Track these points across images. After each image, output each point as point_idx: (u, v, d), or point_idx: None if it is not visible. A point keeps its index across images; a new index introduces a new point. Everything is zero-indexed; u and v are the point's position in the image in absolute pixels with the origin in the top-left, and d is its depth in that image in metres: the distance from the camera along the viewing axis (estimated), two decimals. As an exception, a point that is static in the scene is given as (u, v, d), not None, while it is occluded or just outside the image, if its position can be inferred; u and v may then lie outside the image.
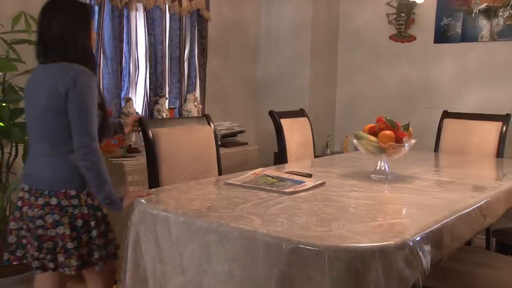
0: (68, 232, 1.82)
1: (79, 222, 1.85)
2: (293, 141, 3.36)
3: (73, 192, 1.85)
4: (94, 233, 1.88)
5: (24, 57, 2.43)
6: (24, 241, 1.90)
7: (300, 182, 2.18)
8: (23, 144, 2.43)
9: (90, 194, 1.88)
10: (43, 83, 1.84)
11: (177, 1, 3.69)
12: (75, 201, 1.85)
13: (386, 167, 2.45)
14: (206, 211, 1.76)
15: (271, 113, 3.34)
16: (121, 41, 3.36)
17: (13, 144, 2.50)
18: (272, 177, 2.27)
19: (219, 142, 3.24)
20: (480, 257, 2.27)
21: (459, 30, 4.05)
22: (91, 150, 1.81)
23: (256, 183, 2.17)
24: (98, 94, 1.91)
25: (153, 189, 2.11)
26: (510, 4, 3.82)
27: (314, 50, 4.48)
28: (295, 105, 3.96)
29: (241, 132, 4.13)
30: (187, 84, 3.95)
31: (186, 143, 2.42)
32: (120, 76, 3.40)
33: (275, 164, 3.72)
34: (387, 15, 4.43)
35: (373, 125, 2.47)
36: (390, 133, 2.36)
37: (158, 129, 2.38)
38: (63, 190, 1.84)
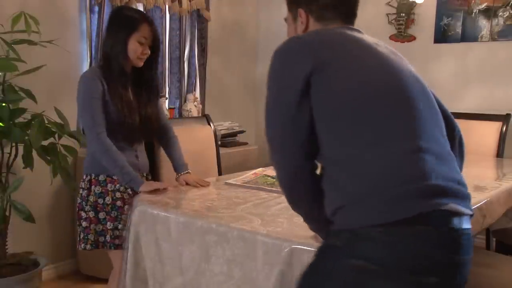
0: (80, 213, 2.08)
1: (83, 203, 2.08)
2: (293, 141, 3.36)
3: (84, 176, 2.11)
4: (83, 215, 2.06)
5: (24, 57, 2.44)
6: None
7: (300, 182, 2.18)
8: (23, 144, 2.43)
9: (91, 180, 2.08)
10: None
11: (177, 1, 3.69)
12: (81, 184, 2.11)
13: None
14: (206, 212, 1.76)
15: (271, 113, 3.34)
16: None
17: (13, 144, 2.50)
18: (272, 177, 2.27)
19: (219, 142, 3.25)
20: (480, 257, 2.27)
21: (459, 30, 4.05)
22: (88, 141, 2.03)
23: (256, 183, 2.17)
24: (108, 90, 2.02)
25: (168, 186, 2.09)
26: (510, 4, 3.82)
27: (314, 50, 4.47)
28: (295, 105, 3.95)
29: (241, 132, 4.13)
30: (187, 84, 3.95)
31: (186, 143, 2.42)
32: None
33: (275, 164, 3.72)
34: (387, 15, 4.43)
35: (373, 125, 2.46)
36: (390, 133, 2.36)
37: (158, 129, 2.38)
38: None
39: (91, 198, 2.05)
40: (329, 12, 1.39)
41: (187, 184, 2.15)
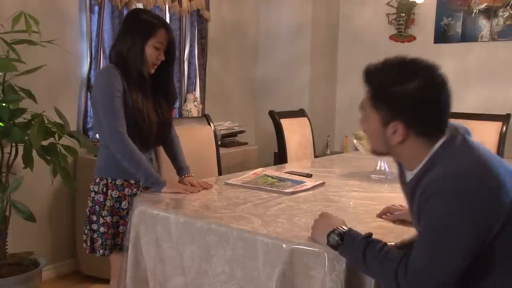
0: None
1: (96, 208, 2.03)
2: (293, 141, 3.36)
3: (97, 180, 2.05)
4: (100, 220, 2.01)
5: (24, 57, 2.43)
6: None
7: (300, 182, 2.18)
8: (23, 144, 2.43)
9: (108, 184, 2.03)
10: None
11: (177, 1, 3.69)
12: (94, 188, 2.06)
13: (386, 167, 2.45)
14: (206, 212, 1.76)
15: (271, 113, 3.35)
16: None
17: (13, 144, 2.49)
18: (272, 177, 2.27)
19: (219, 142, 3.25)
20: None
21: (459, 30, 4.05)
22: (110, 142, 1.95)
23: (256, 183, 2.17)
24: (128, 92, 1.97)
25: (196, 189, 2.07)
26: (510, 4, 3.82)
27: (314, 50, 4.47)
28: (295, 105, 3.96)
29: (241, 132, 4.13)
30: (187, 84, 3.95)
31: (186, 143, 2.42)
32: (120, 76, 3.40)
33: (275, 164, 3.72)
34: (387, 15, 4.43)
35: (373, 125, 2.47)
36: (390, 133, 2.36)
37: (158, 129, 2.37)
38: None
39: (108, 203, 2.01)
40: (431, 126, 1.29)
41: (191, 186, 2.13)
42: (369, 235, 1.32)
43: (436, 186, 1.22)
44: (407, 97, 1.26)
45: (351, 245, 1.31)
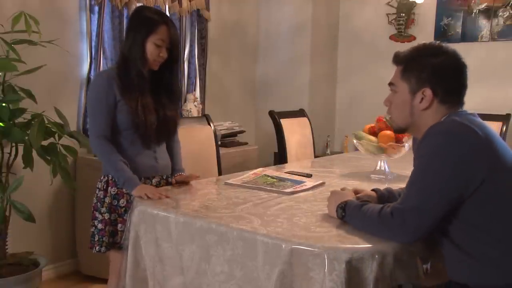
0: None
1: (98, 204, 2.07)
2: (293, 141, 3.36)
3: (101, 177, 2.09)
4: (99, 216, 2.04)
5: (24, 57, 2.43)
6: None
7: (300, 182, 2.18)
8: (23, 144, 2.43)
9: (108, 181, 2.06)
10: None
11: (177, 1, 3.69)
12: (98, 184, 2.09)
13: (386, 167, 2.45)
14: (205, 211, 1.76)
15: (271, 113, 3.35)
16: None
17: (13, 144, 2.50)
18: (272, 177, 2.27)
19: (219, 142, 3.25)
20: None
21: (459, 30, 4.05)
22: (90, 144, 2.04)
23: (256, 183, 2.17)
24: (122, 94, 1.99)
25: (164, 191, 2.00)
26: (510, 4, 3.82)
27: (314, 50, 4.47)
28: (295, 105, 3.96)
29: (241, 132, 4.13)
30: (187, 84, 3.95)
31: (186, 143, 2.43)
32: (120, 76, 3.40)
33: (275, 164, 3.72)
34: (387, 15, 4.43)
35: (373, 125, 2.47)
36: (390, 133, 2.37)
37: (158, 129, 2.37)
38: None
39: (107, 200, 2.03)
40: (452, 96, 1.50)
41: (177, 182, 2.13)
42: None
43: (431, 128, 1.39)
44: (437, 66, 1.46)
45: (350, 211, 1.51)
